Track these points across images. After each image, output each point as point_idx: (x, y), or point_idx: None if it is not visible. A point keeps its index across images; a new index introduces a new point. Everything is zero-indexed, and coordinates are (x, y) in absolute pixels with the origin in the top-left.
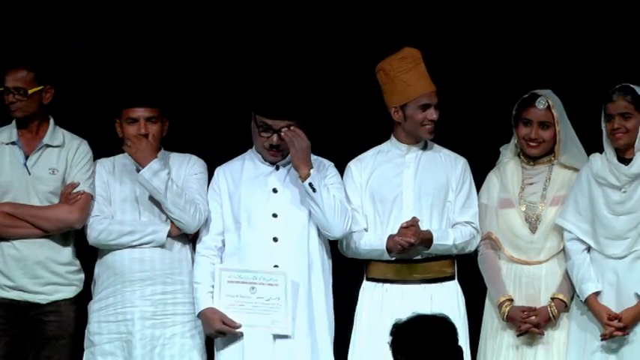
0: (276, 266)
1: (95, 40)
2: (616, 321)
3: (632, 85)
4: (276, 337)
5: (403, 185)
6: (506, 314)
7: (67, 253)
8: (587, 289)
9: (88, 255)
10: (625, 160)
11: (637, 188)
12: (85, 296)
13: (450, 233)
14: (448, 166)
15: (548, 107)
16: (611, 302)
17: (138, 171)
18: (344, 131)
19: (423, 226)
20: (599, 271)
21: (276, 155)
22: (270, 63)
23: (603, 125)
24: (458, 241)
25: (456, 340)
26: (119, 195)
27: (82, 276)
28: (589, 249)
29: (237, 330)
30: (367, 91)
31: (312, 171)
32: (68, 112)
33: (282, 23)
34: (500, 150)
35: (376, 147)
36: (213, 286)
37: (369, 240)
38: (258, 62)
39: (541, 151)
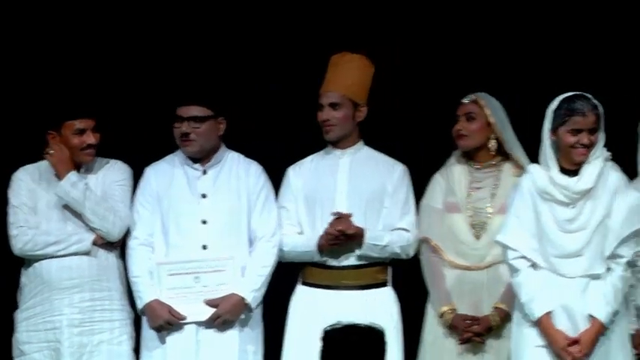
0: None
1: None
2: (576, 346)
3: (589, 96)
4: (201, 338)
5: (337, 189)
6: (449, 322)
7: None
8: (538, 308)
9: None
10: (568, 171)
11: (586, 203)
12: None
13: (384, 235)
14: (384, 172)
15: (474, 101)
16: (563, 323)
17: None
18: (292, 138)
19: None
20: (548, 290)
21: (188, 144)
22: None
23: (548, 136)
24: (394, 244)
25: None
26: (45, 202)
27: None
28: (534, 265)
29: (182, 322)
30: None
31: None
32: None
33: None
34: (453, 153)
35: (316, 153)
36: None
37: (300, 241)
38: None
39: (470, 143)
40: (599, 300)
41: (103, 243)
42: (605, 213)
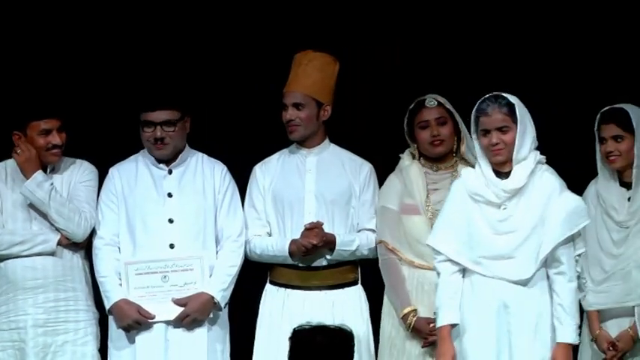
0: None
1: None
2: None
3: (505, 95)
4: (170, 337)
5: (305, 189)
6: (412, 325)
7: None
8: (442, 318)
9: None
10: (501, 173)
11: (517, 204)
12: None
13: (355, 239)
14: (352, 171)
15: (439, 104)
16: (491, 331)
17: None
18: (259, 133)
19: (326, 231)
20: (481, 297)
21: (162, 148)
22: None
23: (475, 138)
24: (363, 248)
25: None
26: (11, 202)
27: None
28: (464, 270)
29: (151, 321)
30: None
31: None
32: None
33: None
34: (400, 156)
35: (281, 151)
36: (121, 279)
37: (271, 245)
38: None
39: (446, 149)
40: (559, 325)
41: (69, 243)
42: (539, 216)
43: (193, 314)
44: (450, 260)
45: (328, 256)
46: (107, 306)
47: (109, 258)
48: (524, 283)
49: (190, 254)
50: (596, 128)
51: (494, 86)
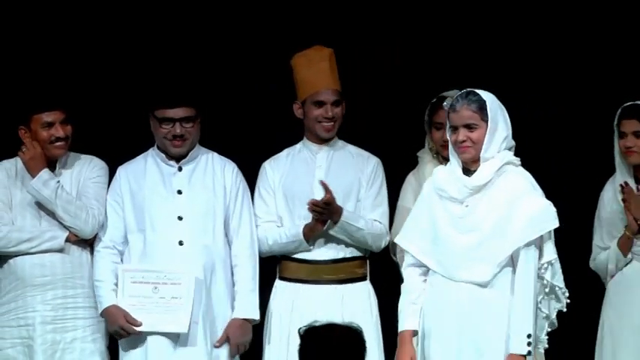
0: None
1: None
2: None
3: (478, 91)
4: (178, 342)
5: (314, 185)
6: None
7: None
8: (402, 323)
9: None
10: (469, 171)
11: (480, 202)
12: None
13: (360, 218)
14: (359, 165)
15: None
16: (452, 335)
17: None
18: (263, 132)
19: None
20: (442, 299)
21: (181, 145)
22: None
23: (449, 134)
24: (367, 232)
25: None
26: (19, 199)
27: None
28: (428, 271)
29: (138, 329)
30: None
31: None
32: None
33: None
34: (418, 155)
35: (290, 147)
36: (116, 284)
37: (283, 232)
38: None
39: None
40: (510, 333)
41: (78, 240)
42: (501, 217)
43: (241, 341)
44: (414, 264)
45: (331, 231)
46: (99, 310)
47: (106, 261)
48: (484, 285)
49: (179, 269)
50: (615, 123)
51: (494, 86)
